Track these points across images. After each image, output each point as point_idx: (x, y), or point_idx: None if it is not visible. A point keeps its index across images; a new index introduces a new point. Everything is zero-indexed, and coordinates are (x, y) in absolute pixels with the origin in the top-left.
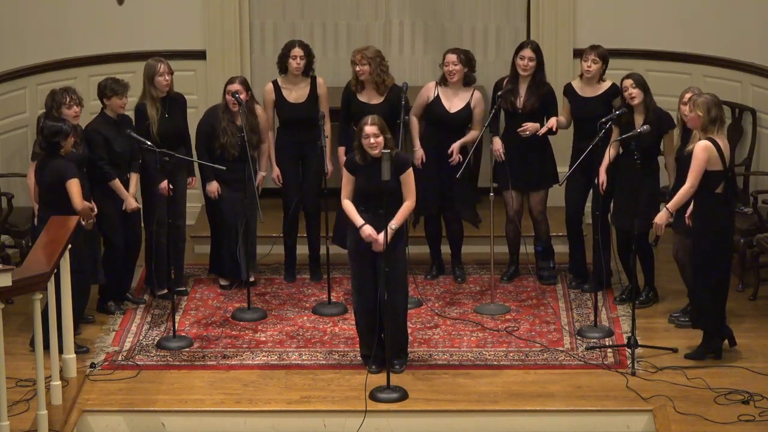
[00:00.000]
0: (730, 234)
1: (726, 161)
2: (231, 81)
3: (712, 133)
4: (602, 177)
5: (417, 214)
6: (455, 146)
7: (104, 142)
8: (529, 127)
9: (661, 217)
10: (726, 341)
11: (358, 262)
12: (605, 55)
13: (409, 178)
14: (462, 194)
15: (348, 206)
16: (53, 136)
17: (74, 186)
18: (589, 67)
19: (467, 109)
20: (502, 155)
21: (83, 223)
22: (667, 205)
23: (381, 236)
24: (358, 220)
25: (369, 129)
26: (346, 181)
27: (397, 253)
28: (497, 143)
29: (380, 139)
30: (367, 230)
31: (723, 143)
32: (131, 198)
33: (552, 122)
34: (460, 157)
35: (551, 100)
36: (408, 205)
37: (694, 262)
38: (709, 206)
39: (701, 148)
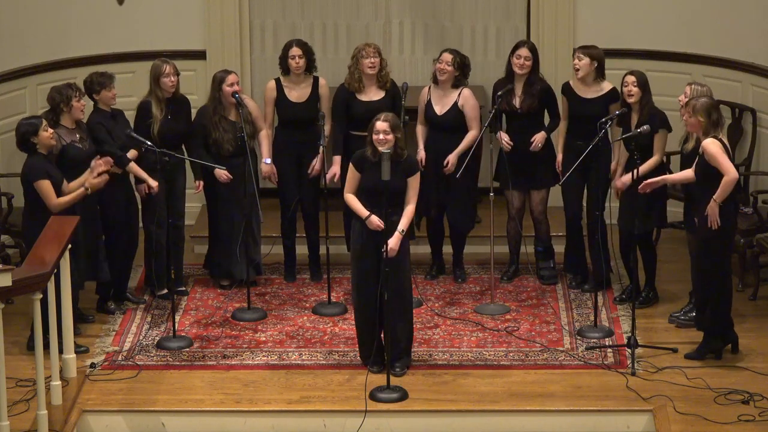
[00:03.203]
0: (734, 232)
1: (731, 159)
2: (225, 73)
3: (712, 135)
4: (621, 178)
5: (417, 215)
6: (451, 158)
7: (108, 134)
8: (538, 139)
9: (713, 211)
10: (729, 346)
11: (360, 260)
12: (594, 54)
13: (416, 182)
14: (460, 199)
15: (351, 199)
16: (24, 135)
17: (43, 186)
18: (576, 64)
19: (455, 109)
20: (509, 143)
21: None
22: (714, 197)
23: (392, 242)
24: (364, 211)
25: (380, 125)
26: (351, 177)
27: (401, 254)
28: (503, 136)
29: (390, 136)
30: (375, 220)
31: (726, 142)
32: (150, 178)
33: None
34: (453, 164)
35: (549, 98)
36: (411, 209)
37: (700, 260)
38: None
39: (711, 143)
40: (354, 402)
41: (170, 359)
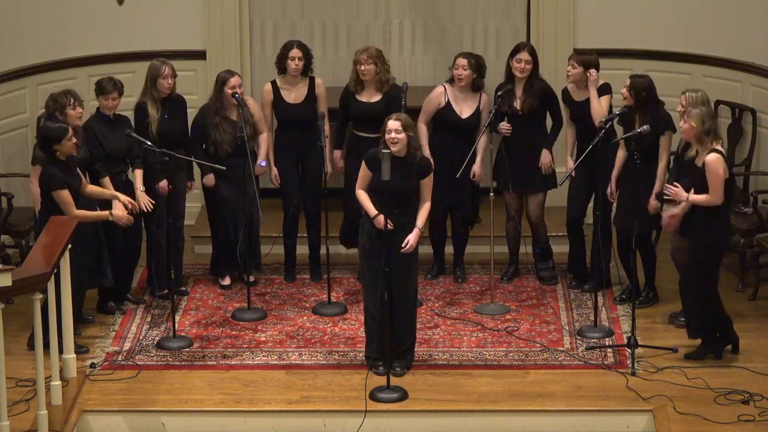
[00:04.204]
0: (727, 238)
1: (729, 169)
2: (229, 74)
3: (707, 143)
4: (613, 186)
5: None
6: (478, 171)
7: (96, 140)
8: (544, 162)
9: (678, 195)
10: (730, 347)
11: (372, 260)
12: (587, 62)
13: (429, 182)
14: (469, 195)
15: (362, 196)
16: (46, 140)
17: (63, 196)
18: (569, 71)
19: (478, 113)
20: (508, 128)
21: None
22: (690, 196)
23: (412, 237)
24: (372, 210)
25: (392, 124)
26: (363, 175)
27: (410, 255)
28: (503, 124)
29: (402, 135)
30: (382, 220)
31: (723, 152)
32: (118, 200)
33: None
34: (481, 174)
35: (550, 97)
36: (428, 206)
37: (688, 263)
38: (712, 211)
39: (715, 163)
40: (354, 402)
41: (170, 359)
